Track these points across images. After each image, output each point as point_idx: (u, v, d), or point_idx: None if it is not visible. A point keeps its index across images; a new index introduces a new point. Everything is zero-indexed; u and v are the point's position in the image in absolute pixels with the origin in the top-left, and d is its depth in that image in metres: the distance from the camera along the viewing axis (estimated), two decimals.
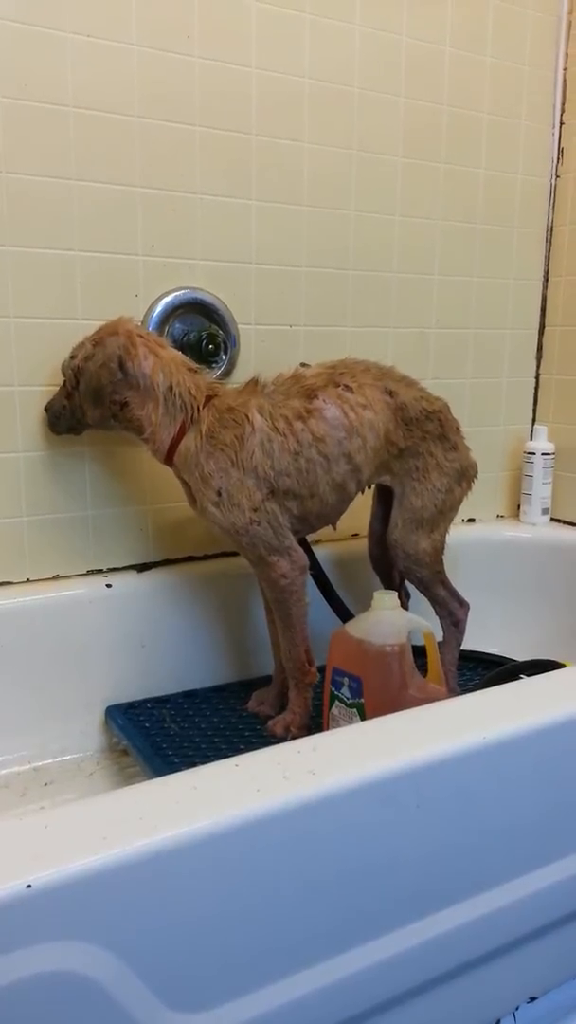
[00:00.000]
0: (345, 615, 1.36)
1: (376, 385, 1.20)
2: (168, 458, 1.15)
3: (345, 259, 1.47)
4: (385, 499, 1.31)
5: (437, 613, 1.32)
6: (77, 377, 1.13)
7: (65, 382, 1.16)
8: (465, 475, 1.28)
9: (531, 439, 1.72)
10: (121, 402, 1.12)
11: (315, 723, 1.21)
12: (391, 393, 1.21)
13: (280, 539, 1.15)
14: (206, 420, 1.12)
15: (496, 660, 1.49)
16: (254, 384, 1.17)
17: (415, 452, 1.23)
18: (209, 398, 1.14)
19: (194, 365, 1.16)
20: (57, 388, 1.20)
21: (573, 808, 0.88)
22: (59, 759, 1.26)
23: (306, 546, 1.29)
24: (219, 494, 1.12)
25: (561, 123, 1.64)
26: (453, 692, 1.29)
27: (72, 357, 1.15)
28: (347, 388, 1.18)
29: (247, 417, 1.12)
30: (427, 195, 1.53)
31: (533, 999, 0.93)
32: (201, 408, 1.13)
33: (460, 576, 1.38)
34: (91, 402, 1.13)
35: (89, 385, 1.12)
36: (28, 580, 1.30)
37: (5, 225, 1.18)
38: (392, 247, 1.51)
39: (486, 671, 1.43)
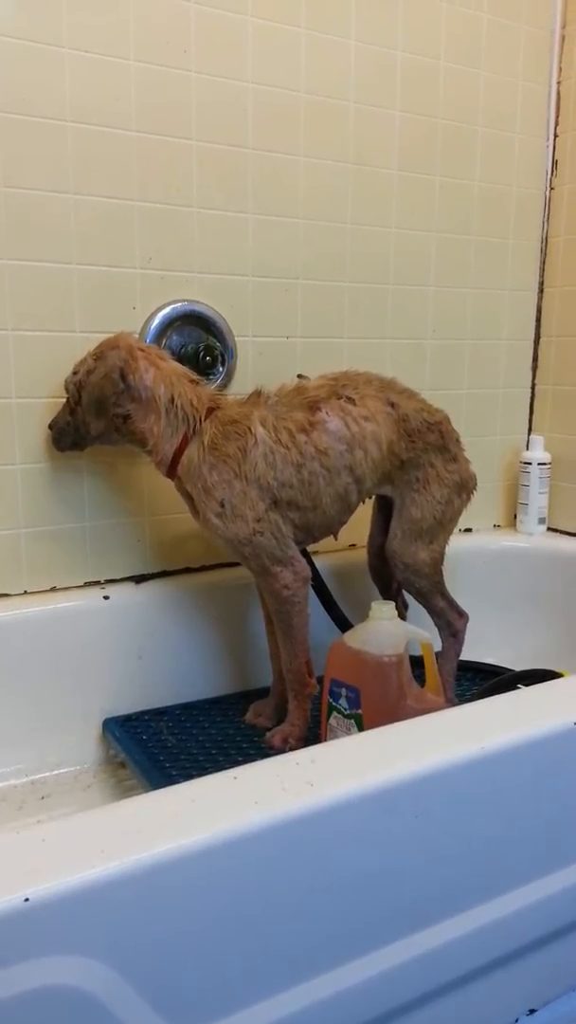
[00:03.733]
0: (344, 625, 1.36)
1: (378, 396, 1.21)
2: (171, 470, 1.15)
3: (341, 271, 1.47)
4: (385, 510, 1.31)
5: (436, 624, 1.32)
6: (80, 391, 1.14)
7: (68, 398, 1.17)
8: (464, 487, 1.28)
9: (527, 449, 1.72)
10: (123, 415, 1.13)
11: (312, 734, 1.21)
12: (393, 405, 1.21)
13: (283, 549, 1.15)
14: (209, 432, 1.12)
15: (493, 670, 1.49)
16: (257, 395, 1.17)
17: (415, 463, 1.23)
18: (211, 410, 1.14)
19: (195, 377, 1.16)
20: (56, 401, 1.21)
21: (571, 818, 0.88)
22: (56, 772, 1.26)
23: (307, 557, 1.29)
24: (222, 505, 1.12)
25: (555, 135, 1.65)
26: (451, 702, 1.29)
27: (75, 373, 1.15)
28: (349, 400, 1.18)
29: (250, 429, 1.12)
30: (422, 207, 1.54)
31: (532, 1011, 0.92)
32: (203, 420, 1.13)
33: (457, 586, 1.38)
34: (94, 414, 1.13)
35: (92, 397, 1.12)
36: (25, 592, 1.30)
37: (4, 239, 1.18)
38: (388, 259, 1.52)
39: (484, 681, 1.43)
